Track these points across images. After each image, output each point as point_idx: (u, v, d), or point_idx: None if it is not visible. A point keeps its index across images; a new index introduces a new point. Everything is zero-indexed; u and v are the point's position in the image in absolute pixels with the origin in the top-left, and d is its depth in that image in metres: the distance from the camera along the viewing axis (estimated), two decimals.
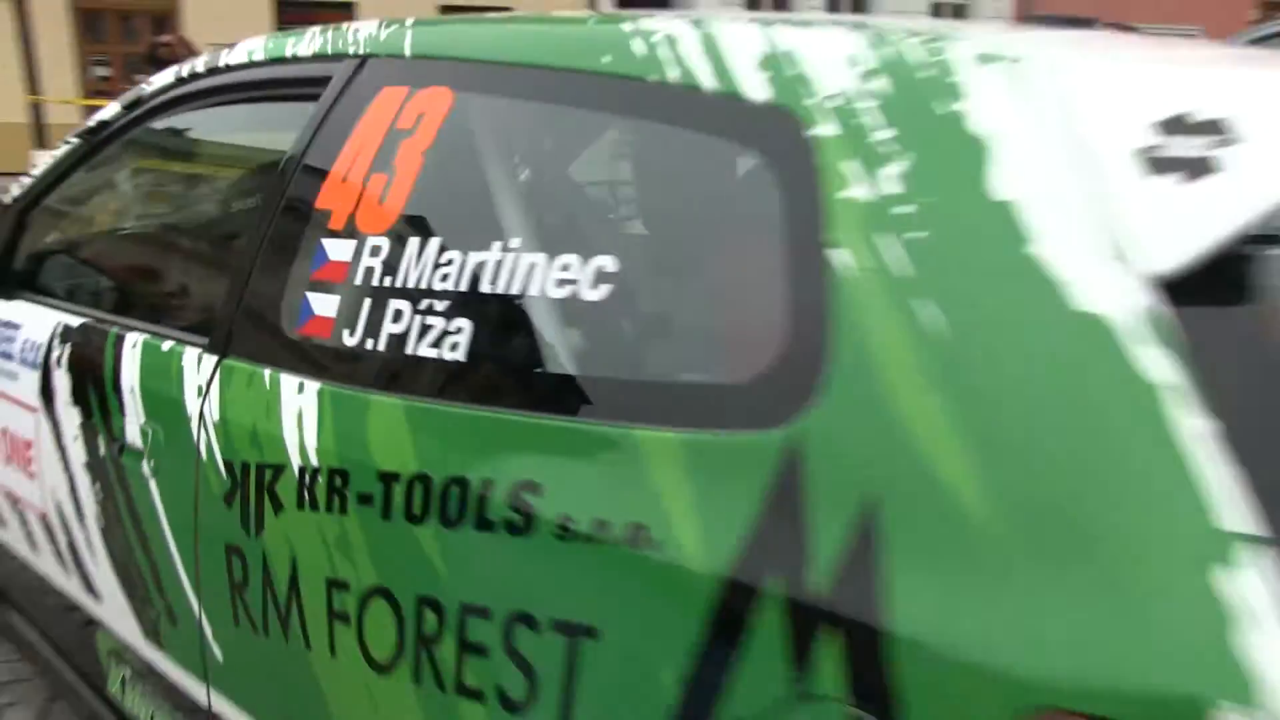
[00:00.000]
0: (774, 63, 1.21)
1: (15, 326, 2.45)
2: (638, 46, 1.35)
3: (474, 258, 1.42)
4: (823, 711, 0.99)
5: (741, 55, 1.25)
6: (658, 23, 1.37)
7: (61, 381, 2.22)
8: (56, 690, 2.70)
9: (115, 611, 2.17)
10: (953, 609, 0.93)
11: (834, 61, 1.17)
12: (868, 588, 0.98)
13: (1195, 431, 0.87)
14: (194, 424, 1.77)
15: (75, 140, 2.55)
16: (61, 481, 2.25)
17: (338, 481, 1.49)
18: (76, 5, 17.13)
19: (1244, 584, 0.82)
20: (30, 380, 2.33)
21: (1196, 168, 0.96)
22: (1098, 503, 0.89)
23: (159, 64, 12.03)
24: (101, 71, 17.79)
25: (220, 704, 1.85)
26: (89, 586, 2.27)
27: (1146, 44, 1.43)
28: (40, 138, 11.61)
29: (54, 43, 15.81)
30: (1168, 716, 0.83)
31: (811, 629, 1.00)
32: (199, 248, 2.56)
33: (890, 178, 1.07)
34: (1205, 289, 0.92)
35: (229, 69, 2.15)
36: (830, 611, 0.99)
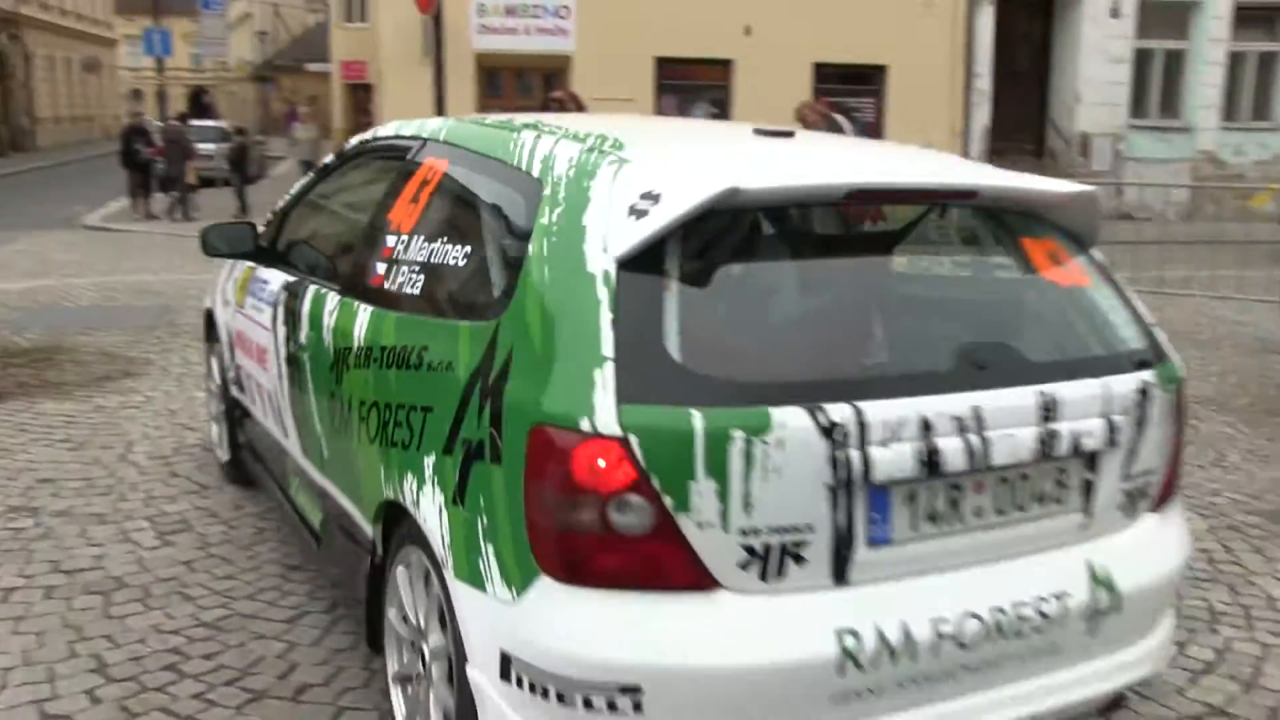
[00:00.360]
0: (546, 159, 2.87)
1: (266, 283, 4.44)
2: (511, 144, 3.09)
3: (434, 245, 3.18)
4: (485, 432, 2.53)
5: (536, 152, 2.93)
6: (539, 141, 2.99)
7: (279, 312, 4.17)
8: (273, 503, 4.73)
9: (292, 442, 4.11)
10: (525, 387, 2.43)
11: (564, 158, 2.81)
12: (503, 385, 2.51)
13: (606, 314, 2.37)
14: (326, 330, 3.63)
15: (314, 172, 4.75)
16: (275, 370, 4.20)
17: (369, 352, 3.25)
18: (481, 64, 18.67)
19: (604, 373, 2.32)
20: (267, 313, 4.33)
21: (639, 214, 2.46)
22: (573, 336, 2.40)
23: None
24: None
25: (325, 483, 3.73)
26: (284, 431, 4.20)
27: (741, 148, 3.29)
28: None
29: (460, 96, 17.32)
30: (564, 421, 2.31)
31: (486, 402, 2.54)
32: (343, 239, 4.15)
33: (553, 211, 2.67)
34: (631, 262, 2.41)
35: (381, 137, 4.14)
36: (491, 396, 2.53)
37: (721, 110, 19.86)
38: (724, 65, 19.76)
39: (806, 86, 18.25)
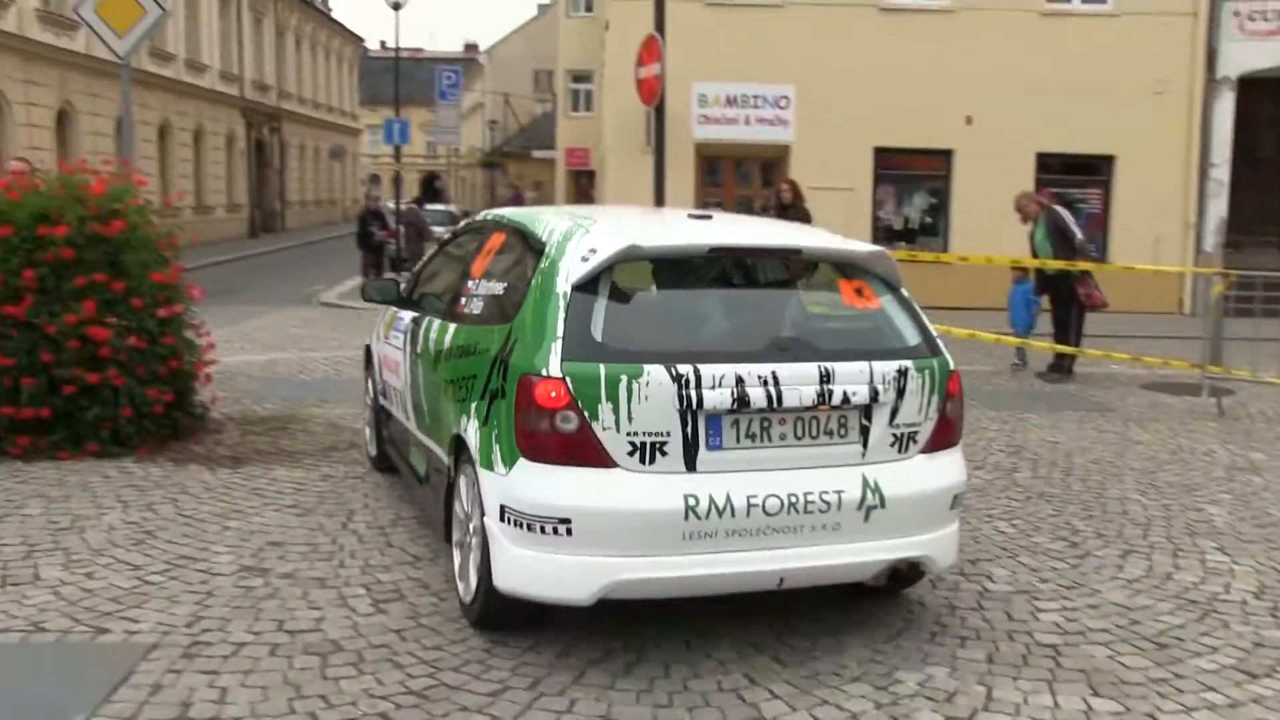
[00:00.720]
0: (550, 231, 4.80)
1: (402, 319, 6.37)
2: (532, 226, 5.06)
3: (489, 284, 5.24)
4: (498, 382, 4.45)
5: (547, 227, 4.88)
6: (551, 220, 4.96)
7: (408, 337, 6.07)
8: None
9: (411, 423, 5.90)
10: (519, 355, 4.35)
11: (560, 230, 4.75)
12: (509, 356, 4.42)
13: (560, 316, 4.31)
14: (431, 344, 5.54)
15: (465, 228, 6.54)
16: (404, 376, 6.07)
17: (451, 350, 5.20)
18: (700, 153, 19.05)
19: (556, 346, 4.26)
20: (401, 339, 6.24)
21: (584, 260, 4.41)
22: (542, 328, 4.33)
23: (781, 207, 13.05)
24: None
25: (427, 441, 5.51)
26: (407, 416, 6.02)
27: (661, 221, 5.87)
28: None
29: (680, 184, 17.66)
30: (533, 371, 4.23)
31: (502, 366, 4.44)
32: (446, 285, 6.04)
33: (546, 261, 4.61)
34: (578, 287, 4.36)
35: (473, 220, 6.45)
36: (504, 362, 4.44)
37: (941, 202, 19.64)
38: (944, 155, 19.57)
39: (1029, 177, 17.87)
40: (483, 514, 4.45)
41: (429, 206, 27.12)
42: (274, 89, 44.60)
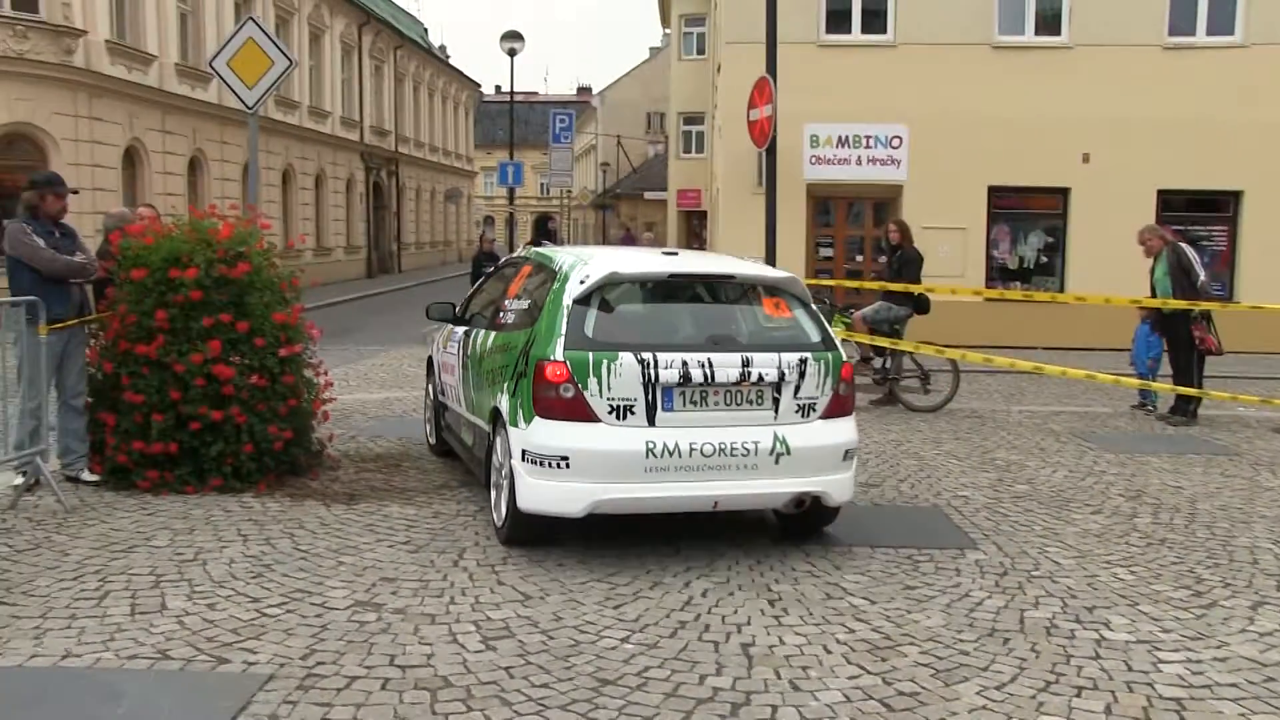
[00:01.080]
0: (560, 263, 6.82)
1: (456, 332, 8.45)
2: (549, 260, 7.16)
3: (518, 301, 7.29)
4: (523, 366, 6.38)
5: (561, 262, 6.85)
6: (562, 256, 7.05)
7: (461, 345, 8.11)
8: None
9: (464, 408, 7.88)
10: (537, 347, 6.27)
11: (568, 262, 6.74)
12: (530, 348, 6.36)
13: (564, 321, 6.24)
14: (477, 346, 7.59)
15: (487, 272, 9.74)
16: (458, 374, 8.09)
17: (492, 349, 7.17)
18: (812, 193, 19.01)
19: (560, 340, 6.17)
20: (455, 347, 8.28)
21: (581, 282, 6.37)
22: (552, 329, 6.25)
23: (892, 248, 12.95)
24: (826, 252, 19.47)
25: (474, 419, 7.49)
26: (459, 403, 8.03)
27: (638, 254, 7.84)
28: None
29: (791, 224, 17.61)
30: (545, 357, 6.15)
31: (526, 356, 6.36)
32: (489, 304, 8.02)
33: (557, 283, 6.57)
34: (576, 302, 6.28)
35: (511, 257, 9.06)
36: (527, 353, 6.40)
37: (1057, 241, 19.27)
38: (1060, 194, 19.22)
39: (1149, 214, 17.41)
40: (510, 458, 6.35)
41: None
42: (392, 133, 45.77)
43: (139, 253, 7.77)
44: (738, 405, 6.26)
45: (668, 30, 53.09)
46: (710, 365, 6.15)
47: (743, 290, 6.84)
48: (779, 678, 4.59)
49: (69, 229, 7.96)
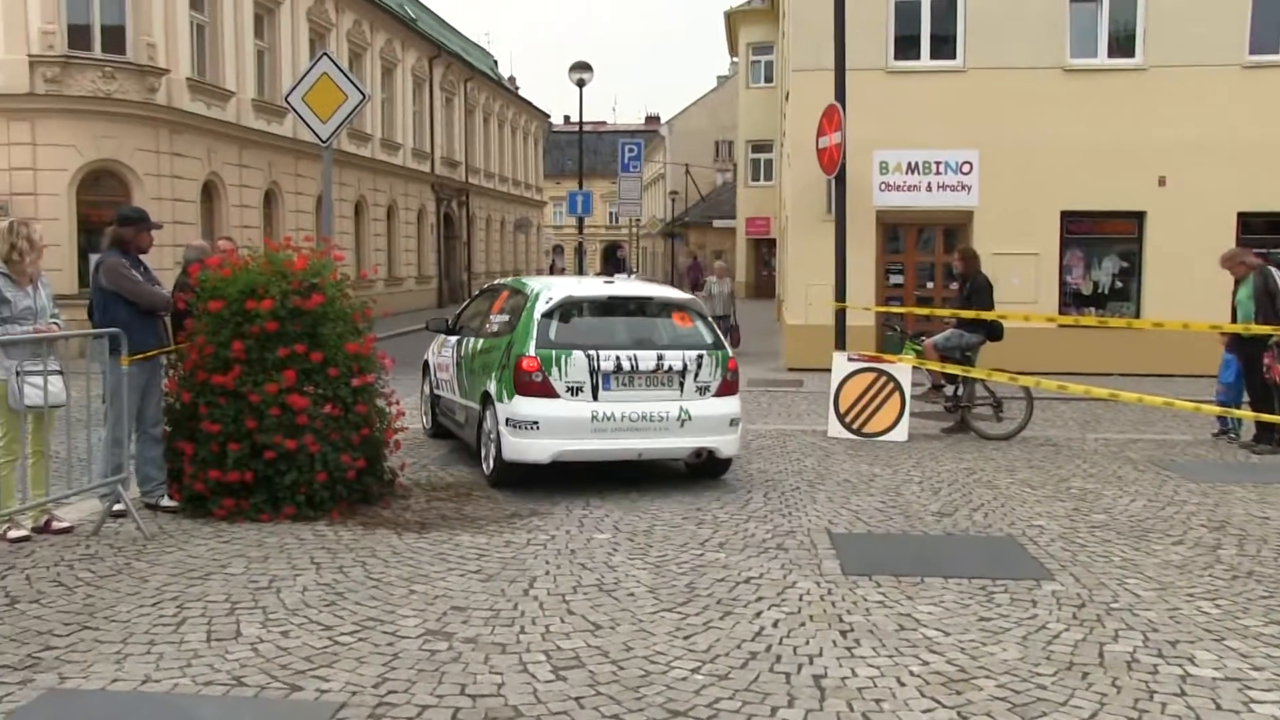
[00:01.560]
0: (532, 288, 9.59)
1: (449, 340, 11.18)
2: (524, 286, 9.97)
3: (499, 316, 9.98)
4: (506, 360, 9.07)
5: (531, 288, 9.65)
6: (532, 283, 9.92)
7: (454, 349, 10.81)
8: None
9: (458, 396, 10.54)
10: (516, 347, 8.99)
11: (536, 288, 9.59)
12: (512, 347, 9.04)
13: (535, 329, 8.95)
14: (468, 348, 10.31)
15: (485, 290, 11.57)
16: (453, 370, 10.79)
17: (481, 349, 9.88)
18: (881, 220, 18.88)
19: (531, 341, 8.90)
20: (450, 351, 10.97)
21: (545, 303, 9.11)
22: (526, 335, 8.98)
23: (961, 277, 12.83)
24: (896, 279, 19.31)
25: (466, 402, 10.12)
26: (453, 392, 10.75)
27: (582, 282, 10.58)
28: (841, 340, 12.85)
29: (862, 252, 17.50)
30: (522, 353, 8.87)
31: (509, 354, 9.03)
32: (476, 318, 10.68)
33: (528, 303, 9.26)
34: (542, 316, 9.01)
35: (490, 285, 11.72)
36: (509, 350, 9.05)
37: (1132, 265, 18.94)
38: (1135, 217, 18.88)
39: (1229, 237, 17.07)
40: (497, 424, 8.93)
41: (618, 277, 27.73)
42: (462, 164, 46.33)
43: (216, 285, 7.93)
44: (655, 386, 8.98)
45: (735, 59, 53.33)
46: (635, 359, 8.91)
47: (659, 307, 9.67)
48: (852, 710, 4.52)
49: (145, 264, 8.14)
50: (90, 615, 5.61)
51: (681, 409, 8.88)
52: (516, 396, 8.67)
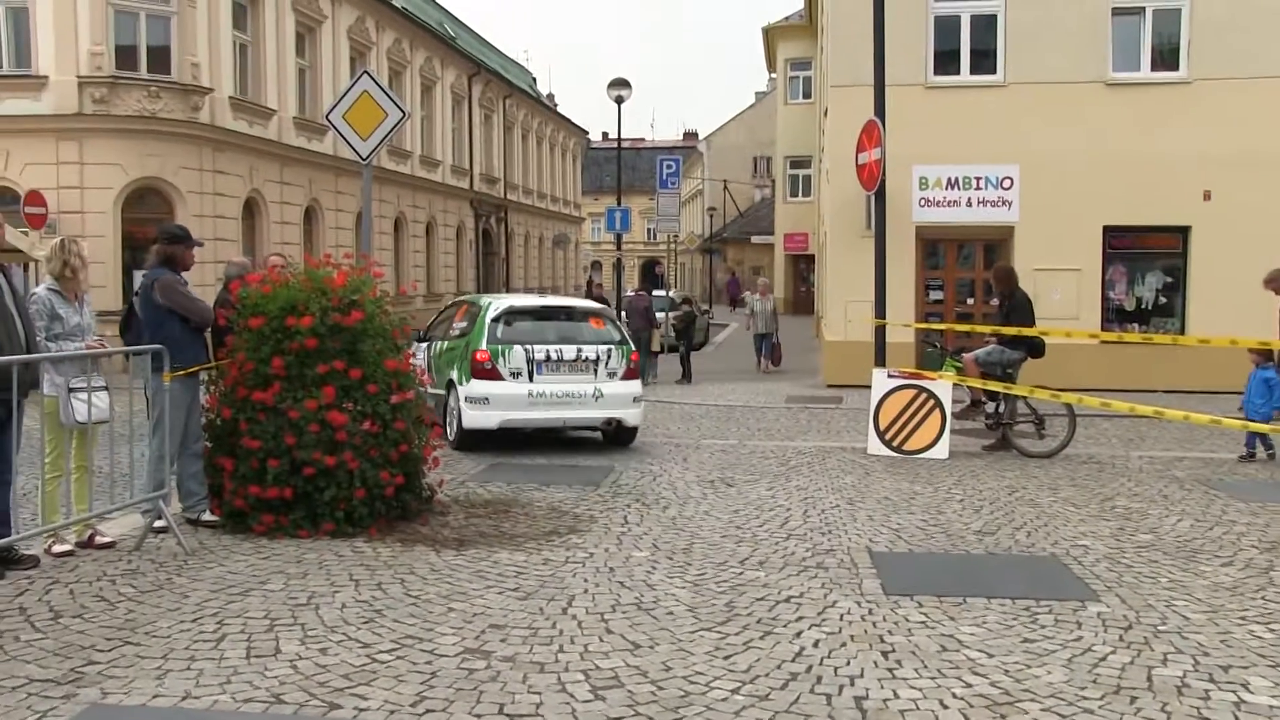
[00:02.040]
0: (485, 301, 13.10)
1: (423, 344, 13.89)
2: (478, 300, 13.64)
3: (459, 323, 13.33)
4: (465, 353, 12.31)
5: (485, 301, 13.06)
6: (484, 298, 13.62)
7: (426, 351, 13.70)
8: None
9: (428, 385, 10.89)
10: (472, 343, 12.28)
11: (489, 301, 13.02)
12: (470, 344, 12.29)
13: (488, 330, 12.18)
14: (436, 349, 13.52)
15: (449, 305, 15.58)
16: (425, 365, 13.17)
17: (446, 349, 13.07)
18: (921, 235, 18.77)
19: (483, 338, 12.17)
20: (423, 354, 13.81)
21: (494, 311, 12.46)
22: (480, 335, 12.21)
23: (1000, 295, 12.73)
24: (936, 295, 19.18)
25: (437, 391, 12.59)
26: (435, 386, 12.56)
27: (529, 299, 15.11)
28: (881, 356, 12.78)
29: (902, 267, 17.43)
30: (477, 347, 12.12)
31: (468, 348, 12.23)
32: (442, 326, 14.34)
33: (481, 313, 12.52)
34: (492, 320, 12.31)
35: (455, 300, 16.99)
36: (469, 345, 12.28)
37: (1176, 281, 18.71)
38: (1179, 232, 18.66)
39: (1277, 253, 16.82)
40: (459, 402, 11.87)
41: (657, 293, 27.72)
42: (501, 181, 46.56)
43: (257, 301, 7.98)
44: (575, 372, 12.00)
45: (773, 75, 53.35)
46: (561, 352, 11.99)
47: (580, 314, 13.07)
48: None
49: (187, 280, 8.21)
50: (132, 630, 5.63)
51: (596, 388, 11.98)
52: (473, 380, 11.80)
